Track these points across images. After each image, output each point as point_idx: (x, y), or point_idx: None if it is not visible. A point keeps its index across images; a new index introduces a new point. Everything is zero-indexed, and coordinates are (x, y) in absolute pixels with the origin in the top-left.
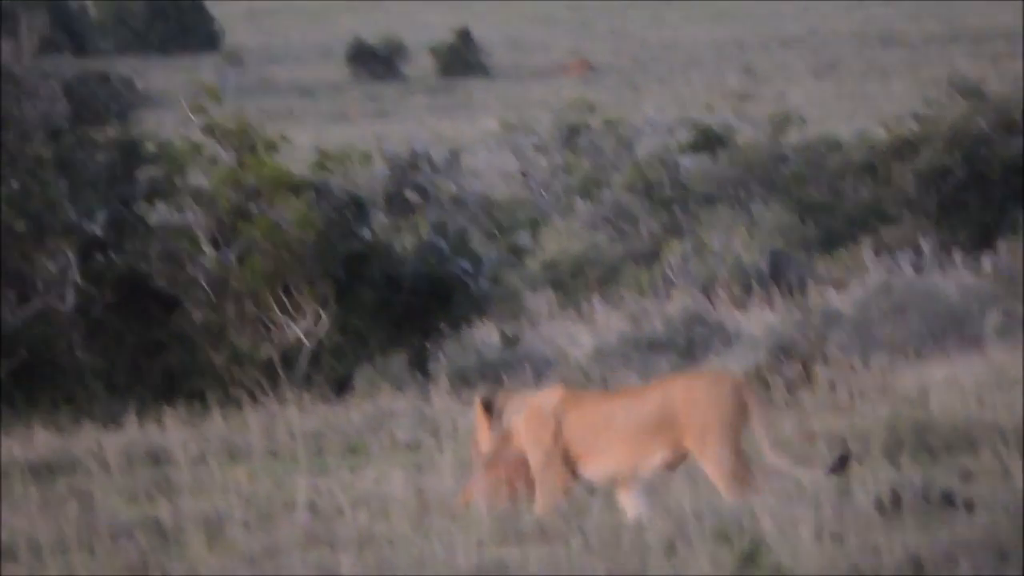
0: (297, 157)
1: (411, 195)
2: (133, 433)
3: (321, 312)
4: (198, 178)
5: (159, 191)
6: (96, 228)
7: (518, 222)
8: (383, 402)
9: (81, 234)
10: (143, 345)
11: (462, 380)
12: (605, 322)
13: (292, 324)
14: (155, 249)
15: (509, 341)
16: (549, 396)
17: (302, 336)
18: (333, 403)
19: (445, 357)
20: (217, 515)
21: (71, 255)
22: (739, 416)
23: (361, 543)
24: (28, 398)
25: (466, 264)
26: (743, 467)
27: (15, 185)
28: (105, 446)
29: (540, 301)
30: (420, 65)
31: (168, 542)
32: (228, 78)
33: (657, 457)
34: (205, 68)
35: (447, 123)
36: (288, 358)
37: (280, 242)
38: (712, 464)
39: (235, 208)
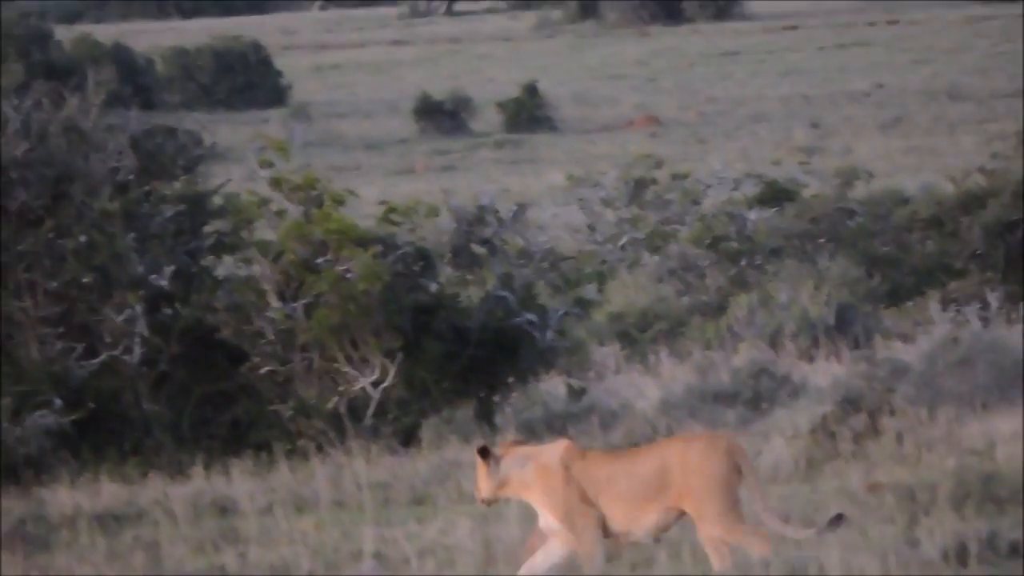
0: (364, 211)
1: (478, 248)
2: (200, 484)
3: (388, 364)
4: (265, 231)
5: (226, 244)
6: (163, 281)
7: (584, 275)
8: (449, 453)
9: (148, 287)
10: (210, 396)
11: (529, 432)
12: (671, 374)
13: (359, 376)
14: (222, 302)
15: (575, 393)
16: (555, 449)
17: (369, 388)
18: (399, 454)
19: (511, 409)
20: (284, 565)
21: (138, 307)
22: (734, 477)
23: None
24: (95, 449)
25: (532, 317)
26: (740, 527)
27: (82, 239)
28: (172, 497)
29: (606, 353)
30: (487, 119)
31: None
32: (295, 132)
33: (652, 519)
34: (272, 122)
35: (514, 177)
36: (355, 409)
37: (347, 295)
38: (709, 525)
39: (302, 261)
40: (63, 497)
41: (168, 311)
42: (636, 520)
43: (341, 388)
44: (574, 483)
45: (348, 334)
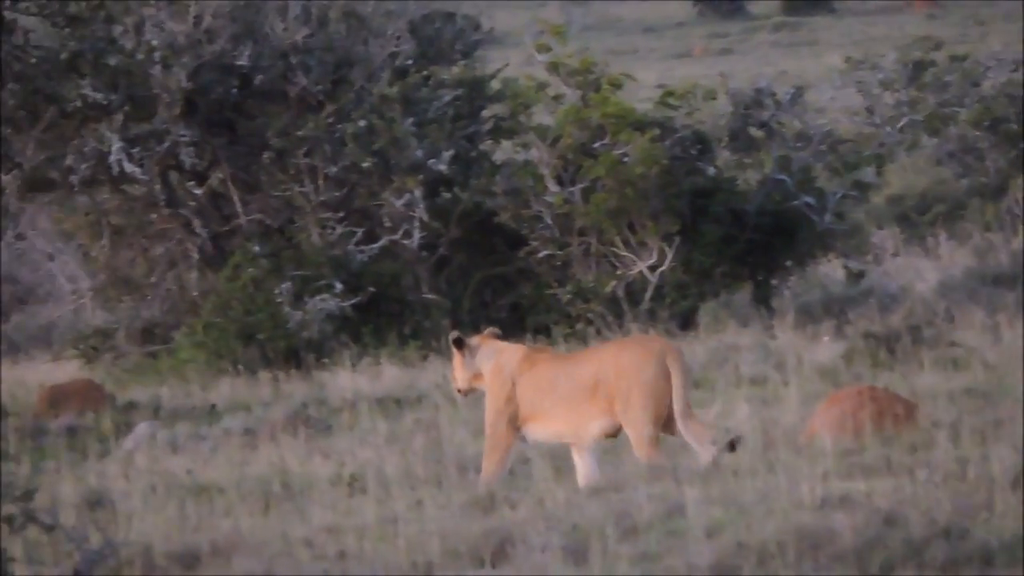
0: (641, 95)
1: (755, 131)
2: None
3: (665, 248)
4: (543, 116)
5: (504, 129)
6: (442, 165)
7: (863, 158)
8: (727, 337)
9: (427, 171)
10: (488, 280)
11: (807, 315)
12: (950, 257)
13: (636, 259)
14: (500, 186)
15: (853, 276)
16: (512, 355)
17: (646, 271)
18: (678, 338)
19: (789, 292)
20: (563, 448)
21: (417, 192)
22: (663, 383)
23: (706, 476)
24: (375, 333)
25: (810, 200)
26: (652, 439)
27: (362, 124)
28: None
29: (885, 236)
30: (765, 2)
31: (514, 475)
32: (573, 16)
33: (596, 424)
34: (550, 6)
35: (792, 60)
36: (632, 293)
37: (624, 178)
38: (630, 426)
39: (579, 145)
40: (344, 380)
41: (447, 195)
42: (581, 425)
43: (619, 272)
44: (513, 402)
45: (625, 218)
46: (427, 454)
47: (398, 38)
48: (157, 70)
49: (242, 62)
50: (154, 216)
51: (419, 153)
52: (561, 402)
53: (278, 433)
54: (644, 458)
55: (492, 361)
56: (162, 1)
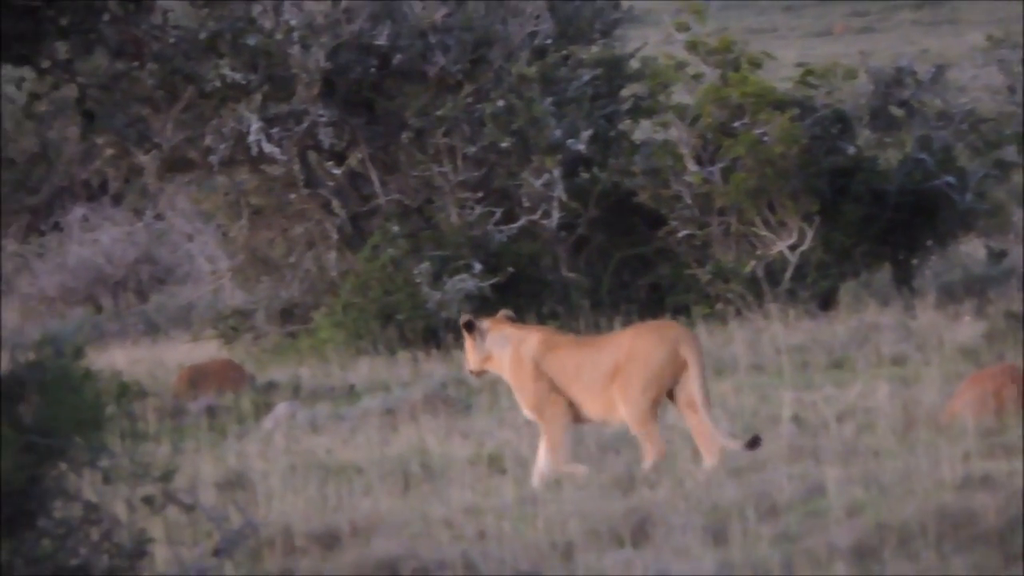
0: (781, 73)
1: (895, 110)
2: None
3: (805, 227)
4: (682, 95)
5: (643, 108)
6: (580, 145)
7: (1004, 137)
8: (868, 317)
9: (566, 151)
10: (628, 260)
11: (948, 295)
12: None
13: (776, 239)
14: (639, 166)
15: (995, 256)
16: (531, 339)
17: (786, 251)
18: (817, 318)
19: (930, 272)
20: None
21: (556, 172)
22: (668, 368)
23: (846, 456)
24: (514, 313)
25: (952, 179)
26: (646, 422)
27: (501, 103)
28: None
29: None
30: None
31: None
32: None
33: (621, 409)
34: None
35: (933, 38)
36: (772, 273)
37: (764, 158)
38: (626, 402)
39: (719, 124)
40: None
41: (586, 175)
42: (608, 410)
43: (759, 252)
44: (544, 377)
45: (765, 197)
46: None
47: (537, 17)
48: (296, 50)
49: (381, 42)
50: (293, 196)
51: (558, 133)
52: (586, 390)
53: (417, 413)
54: (639, 432)
55: (508, 347)
56: None
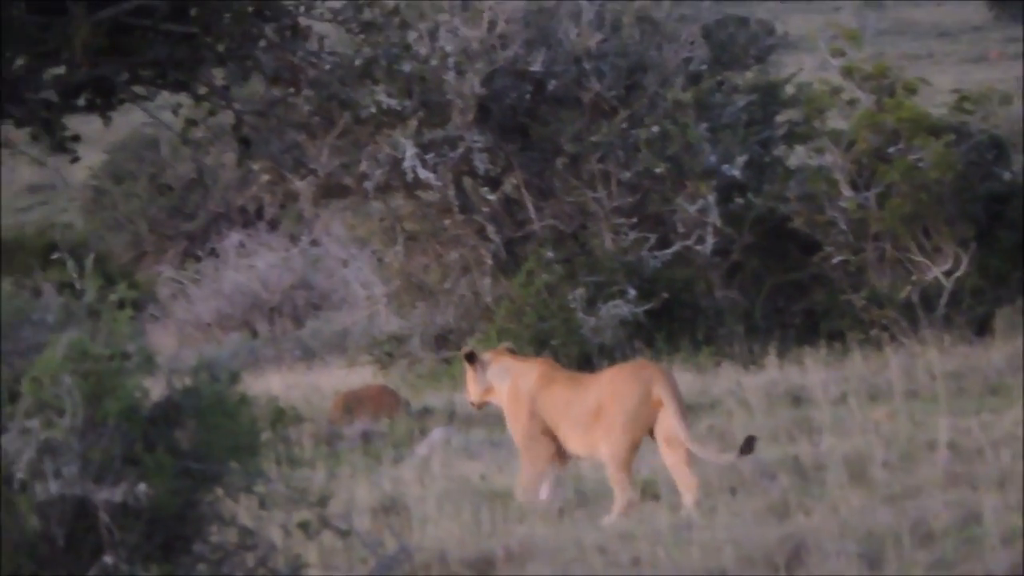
0: (937, 99)
1: None
2: (773, 373)
3: (961, 253)
4: (836, 120)
5: (798, 134)
6: (735, 171)
7: None
8: None
9: (720, 177)
10: (782, 286)
11: None
12: None
13: (931, 265)
14: (794, 191)
15: None
16: (528, 372)
17: (941, 277)
18: (973, 344)
19: None
20: (857, 455)
21: (710, 197)
22: (644, 408)
23: (1003, 483)
24: (669, 339)
25: None
26: (621, 468)
27: (655, 129)
28: (745, 386)
29: None
30: None
31: (809, 481)
32: (868, 21)
33: (602, 448)
34: (844, 10)
35: None
36: (927, 299)
37: (919, 183)
38: (608, 444)
39: (874, 150)
40: None
41: (740, 201)
42: (592, 448)
43: (914, 277)
44: (537, 416)
45: (920, 223)
46: None
47: (692, 43)
48: (451, 76)
49: (535, 68)
50: (448, 222)
51: (712, 158)
52: (575, 426)
53: None
54: (614, 475)
55: (508, 379)
56: (457, 6)
